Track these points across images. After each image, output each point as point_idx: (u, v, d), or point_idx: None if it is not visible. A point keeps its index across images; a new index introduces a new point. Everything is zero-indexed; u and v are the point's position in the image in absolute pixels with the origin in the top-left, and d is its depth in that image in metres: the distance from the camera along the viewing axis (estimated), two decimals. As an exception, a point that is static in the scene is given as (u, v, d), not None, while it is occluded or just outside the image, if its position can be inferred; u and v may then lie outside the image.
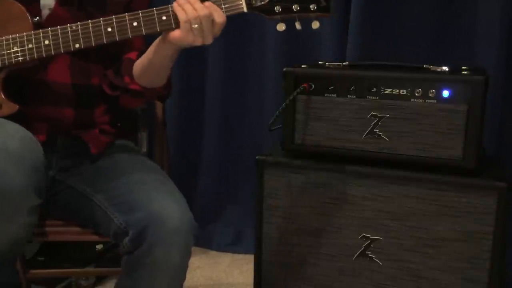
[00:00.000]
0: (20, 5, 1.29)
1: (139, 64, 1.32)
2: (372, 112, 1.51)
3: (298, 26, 1.24)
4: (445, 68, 1.51)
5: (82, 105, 1.40)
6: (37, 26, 1.29)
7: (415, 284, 1.51)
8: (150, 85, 1.33)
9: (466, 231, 1.44)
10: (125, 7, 1.41)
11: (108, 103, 1.45)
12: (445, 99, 1.44)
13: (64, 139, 1.39)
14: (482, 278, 1.44)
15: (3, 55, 1.27)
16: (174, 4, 1.19)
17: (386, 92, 1.49)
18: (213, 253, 2.34)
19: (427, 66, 1.55)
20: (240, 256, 2.31)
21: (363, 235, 1.55)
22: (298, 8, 1.21)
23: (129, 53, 1.39)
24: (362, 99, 1.51)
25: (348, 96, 1.53)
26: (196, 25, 1.16)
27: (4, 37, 1.26)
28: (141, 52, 1.34)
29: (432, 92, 1.45)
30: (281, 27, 1.24)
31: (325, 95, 1.55)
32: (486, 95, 1.42)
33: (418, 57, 1.95)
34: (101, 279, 1.99)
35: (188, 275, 1.27)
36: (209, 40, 1.18)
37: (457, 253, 1.46)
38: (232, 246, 2.36)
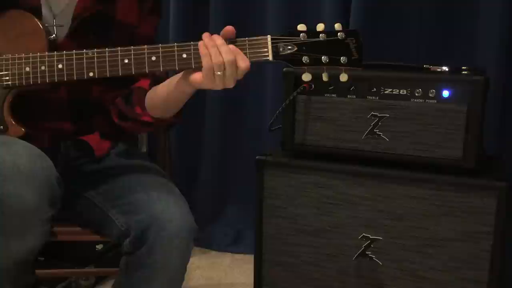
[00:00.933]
0: (37, 21, 1.23)
1: (152, 96, 1.26)
2: (372, 112, 1.51)
3: (325, 78, 1.15)
4: (445, 68, 1.51)
5: (80, 118, 1.39)
6: (52, 44, 1.23)
7: (415, 284, 1.51)
8: (162, 116, 1.28)
9: (466, 231, 1.44)
10: (131, 34, 1.38)
11: (107, 113, 1.44)
12: (445, 99, 1.44)
13: (66, 144, 1.39)
14: (482, 278, 1.44)
15: (14, 75, 1.21)
16: (200, 45, 1.12)
17: (386, 92, 1.49)
18: (213, 253, 2.34)
19: (427, 66, 1.55)
20: (240, 256, 2.31)
21: (363, 235, 1.55)
22: (328, 60, 1.12)
23: (139, 81, 1.34)
24: (362, 99, 1.51)
25: (348, 96, 1.53)
26: (219, 72, 1.10)
27: (16, 55, 1.20)
28: (154, 80, 1.30)
29: (432, 92, 1.45)
30: (307, 77, 1.14)
31: (325, 95, 1.55)
32: (486, 95, 1.43)
33: (418, 57, 1.95)
34: (101, 279, 1.99)
35: (188, 275, 1.27)
36: (231, 85, 1.13)
37: (457, 253, 1.46)
38: (232, 246, 2.36)
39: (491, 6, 1.86)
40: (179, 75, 1.18)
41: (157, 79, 1.30)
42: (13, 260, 1.14)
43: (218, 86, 1.13)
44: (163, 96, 1.24)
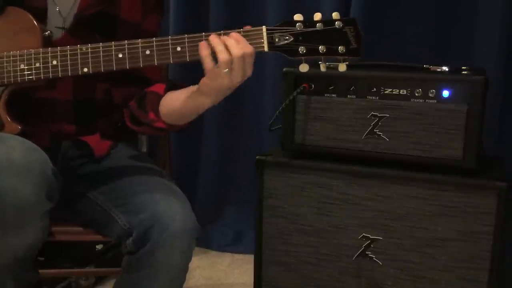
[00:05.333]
0: (31, 17, 1.23)
1: (167, 104, 1.25)
2: (372, 112, 1.51)
3: (323, 68, 1.13)
4: (445, 68, 1.51)
5: (84, 120, 1.40)
6: (48, 41, 1.23)
7: (415, 284, 1.51)
8: (176, 123, 1.27)
9: (466, 231, 1.44)
10: (135, 32, 1.37)
11: (110, 114, 1.44)
12: (445, 99, 1.44)
13: (67, 143, 1.39)
14: (482, 278, 1.44)
15: (9, 72, 1.21)
16: (203, 47, 1.10)
17: (386, 92, 1.49)
18: (213, 253, 2.34)
19: (427, 66, 1.55)
20: (240, 256, 2.31)
21: (363, 235, 1.55)
22: (325, 50, 1.11)
23: (155, 86, 1.32)
24: (362, 99, 1.51)
25: (348, 96, 1.53)
26: (226, 70, 1.08)
27: (11, 53, 1.21)
28: (168, 86, 1.28)
29: (432, 92, 1.45)
30: (304, 67, 1.13)
31: (325, 95, 1.55)
32: (486, 95, 1.43)
33: (418, 57, 1.95)
34: (101, 279, 1.99)
35: (188, 275, 1.27)
36: (240, 77, 1.10)
37: (457, 253, 1.46)
38: (232, 246, 2.36)
39: (491, 6, 1.87)
40: (195, 86, 1.17)
41: (171, 85, 1.30)
42: (13, 255, 1.13)
43: (238, 79, 1.11)
44: (179, 106, 1.22)
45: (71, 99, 1.36)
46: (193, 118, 1.26)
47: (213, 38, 1.10)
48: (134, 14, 1.38)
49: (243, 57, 1.09)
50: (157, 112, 1.27)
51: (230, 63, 1.08)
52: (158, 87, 1.31)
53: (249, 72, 1.12)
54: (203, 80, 1.13)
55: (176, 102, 1.23)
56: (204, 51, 1.11)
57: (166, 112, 1.26)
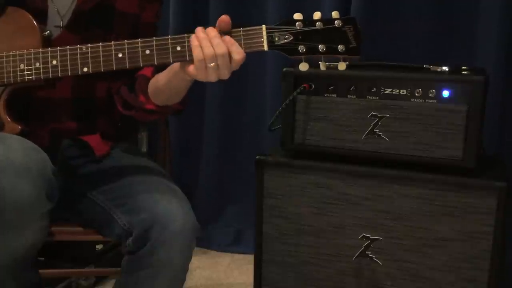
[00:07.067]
0: (30, 17, 1.24)
1: (155, 84, 1.26)
2: (372, 112, 1.51)
3: (322, 67, 1.14)
4: (445, 68, 1.51)
5: (84, 118, 1.40)
6: (47, 40, 1.23)
7: (415, 284, 1.51)
8: (166, 103, 1.28)
9: (466, 231, 1.44)
10: (133, 24, 1.38)
11: (111, 113, 1.44)
12: (445, 99, 1.44)
13: (67, 143, 1.39)
14: (482, 278, 1.44)
15: (9, 72, 1.21)
16: (192, 37, 1.11)
17: (386, 92, 1.49)
18: (213, 253, 2.34)
19: (427, 66, 1.55)
20: (240, 256, 2.31)
21: (363, 235, 1.55)
22: (325, 49, 1.11)
23: (143, 69, 1.33)
24: (362, 99, 1.51)
25: (348, 96, 1.53)
26: (211, 64, 1.08)
27: (11, 53, 1.21)
28: (156, 68, 1.29)
29: (432, 92, 1.45)
30: (304, 66, 1.13)
31: (325, 95, 1.55)
32: (486, 95, 1.43)
33: (418, 57, 1.95)
34: (101, 279, 1.99)
35: (188, 275, 1.27)
36: (225, 76, 1.11)
37: (457, 253, 1.46)
38: (232, 246, 2.36)
39: (491, 6, 1.86)
40: (178, 64, 1.17)
41: (159, 67, 1.31)
42: (13, 255, 1.13)
43: (211, 78, 1.11)
44: (164, 84, 1.23)
45: (69, 96, 1.36)
46: (180, 97, 1.26)
47: (198, 30, 1.11)
48: (131, 5, 1.38)
49: (226, 56, 1.09)
50: (146, 95, 1.28)
51: (214, 58, 1.08)
52: (146, 70, 1.31)
53: (235, 69, 1.12)
54: (190, 68, 1.12)
55: (161, 81, 1.23)
56: (195, 41, 1.10)
57: (155, 92, 1.26)
